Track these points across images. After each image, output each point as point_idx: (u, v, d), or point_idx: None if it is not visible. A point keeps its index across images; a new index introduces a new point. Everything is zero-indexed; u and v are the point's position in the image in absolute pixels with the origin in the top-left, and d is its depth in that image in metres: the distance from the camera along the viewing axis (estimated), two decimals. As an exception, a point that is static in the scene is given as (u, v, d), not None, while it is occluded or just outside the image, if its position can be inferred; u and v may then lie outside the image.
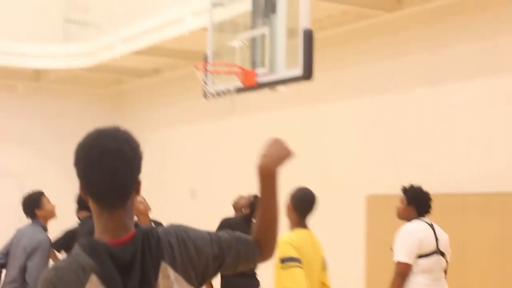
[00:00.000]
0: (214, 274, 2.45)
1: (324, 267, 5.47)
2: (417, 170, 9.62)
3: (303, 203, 5.42)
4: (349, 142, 10.68)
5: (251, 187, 13.30)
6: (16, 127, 15.54)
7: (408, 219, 6.50)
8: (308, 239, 5.36)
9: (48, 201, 7.36)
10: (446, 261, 6.47)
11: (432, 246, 6.29)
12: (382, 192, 9.77)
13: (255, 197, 8.10)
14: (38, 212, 7.19)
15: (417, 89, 9.78)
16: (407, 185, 6.65)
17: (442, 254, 6.41)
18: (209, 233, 2.48)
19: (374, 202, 9.83)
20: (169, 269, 2.29)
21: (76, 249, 2.30)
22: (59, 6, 14.91)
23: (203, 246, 2.40)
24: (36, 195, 7.35)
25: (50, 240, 7.08)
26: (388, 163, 10.01)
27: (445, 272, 6.52)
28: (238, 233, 2.54)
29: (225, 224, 7.92)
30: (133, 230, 2.32)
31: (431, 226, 6.43)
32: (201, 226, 2.54)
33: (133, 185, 2.35)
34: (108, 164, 2.30)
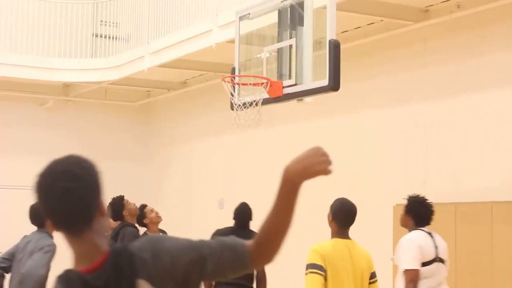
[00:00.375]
0: (197, 282, 2.38)
1: (365, 278, 5.48)
2: (444, 179, 9.59)
3: (341, 213, 5.57)
4: (375, 152, 10.67)
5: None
6: (46, 140, 15.70)
7: (407, 227, 6.66)
8: (343, 249, 5.46)
9: None
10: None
11: (432, 254, 6.46)
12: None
13: (242, 204, 8.12)
14: (48, 222, 7.24)
15: (444, 99, 9.77)
16: (412, 194, 6.78)
17: (442, 261, 6.51)
18: (190, 241, 2.40)
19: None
20: (146, 284, 2.27)
21: (54, 282, 2.31)
22: (88, 21, 15.07)
23: (179, 255, 2.34)
24: None
25: (56, 246, 7.11)
26: (415, 172, 9.99)
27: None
28: (227, 239, 2.44)
29: (214, 235, 7.99)
30: (106, 251, 2.30)
31: (430, 234, 6.57)
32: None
33: (93, 206, 2.32)
34: (60, 187, 2.28)
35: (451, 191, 9.45)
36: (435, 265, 6.44)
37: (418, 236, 6.48)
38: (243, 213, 8.01)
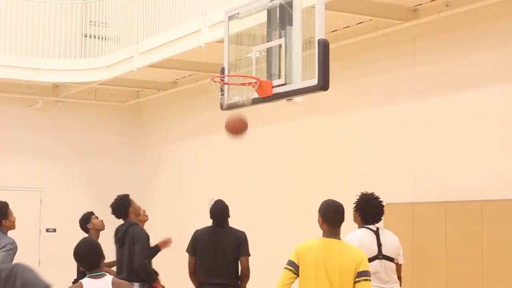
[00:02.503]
0: None
1: (347, 277, 5.51)
2: (434, 178, 9.61)
3: (328, 214, 5.69)
4: (365, 152, 10.68)
5: (270, 197, 13.32)
6: (36, 141, 15.67)
7: (357, 224, 6.84)
8: (323, 247, 5.58)
9: (12, 213, 7.49)
10: (398, 263, 6.76)
11: (371, 253, 6.54)
12: (401, 201, 9.78)
13: (217, 201, 8.08)
14: (5, 223, 7.31)
15: (433, 98, 9.79)
16: (364, 191, 6.98)
17: (388, 258, 6.65)
18: (41, 280, 2.47)
19: (392, 211, 9.82)
20: None
21: None
22: (77, 21, 15.04)
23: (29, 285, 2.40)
24: (4, 206, 7.44)
25: (16, 244, 7.18)
26: (405, 171, 10.00)
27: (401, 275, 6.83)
28: None
29: (193, 236, 7.96)
30: None
31: (376, 232, 6.71)
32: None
33: None
34: None
35: (441, 190, 9.47)
36: (377, 262, 6.53)
37: (358, 236, 6.59)
38: (219, 211, 7.97)
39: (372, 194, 6.92)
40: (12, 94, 15.29)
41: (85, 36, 15.26)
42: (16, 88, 15.21)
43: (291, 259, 5.61)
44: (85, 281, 5.23)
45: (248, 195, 12.72)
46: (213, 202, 8.13)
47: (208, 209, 8.02)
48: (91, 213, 9.17)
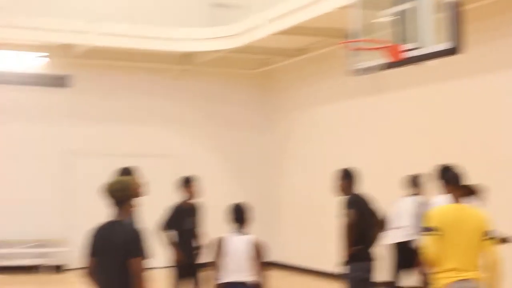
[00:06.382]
0: None
1: (480, 235, 5.81)
2: None
3: (451, 179, 6.04)
4: (505, 117, 10.32)
5: (399, 164, 13.09)
6: (169, 109, 16.03)
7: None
8: (457, 211, 5.89)
9: None
10: None
11: None
12: None
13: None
14: None
15: None
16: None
17: None
18: None
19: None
20: None
21: None
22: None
23: None
24: None
25: None
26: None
27: None
28: None
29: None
30: None
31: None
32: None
33: None
34: None
35: None
36: None
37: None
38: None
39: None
40: (144, 63, 15.66)
41: (213, 5, 15.40)
42: (146, 57, 15.55)
43: (431, 225, 5.81)
44: (228, 235, 5.78)
45: (376, 160, 12.59)
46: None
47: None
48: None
